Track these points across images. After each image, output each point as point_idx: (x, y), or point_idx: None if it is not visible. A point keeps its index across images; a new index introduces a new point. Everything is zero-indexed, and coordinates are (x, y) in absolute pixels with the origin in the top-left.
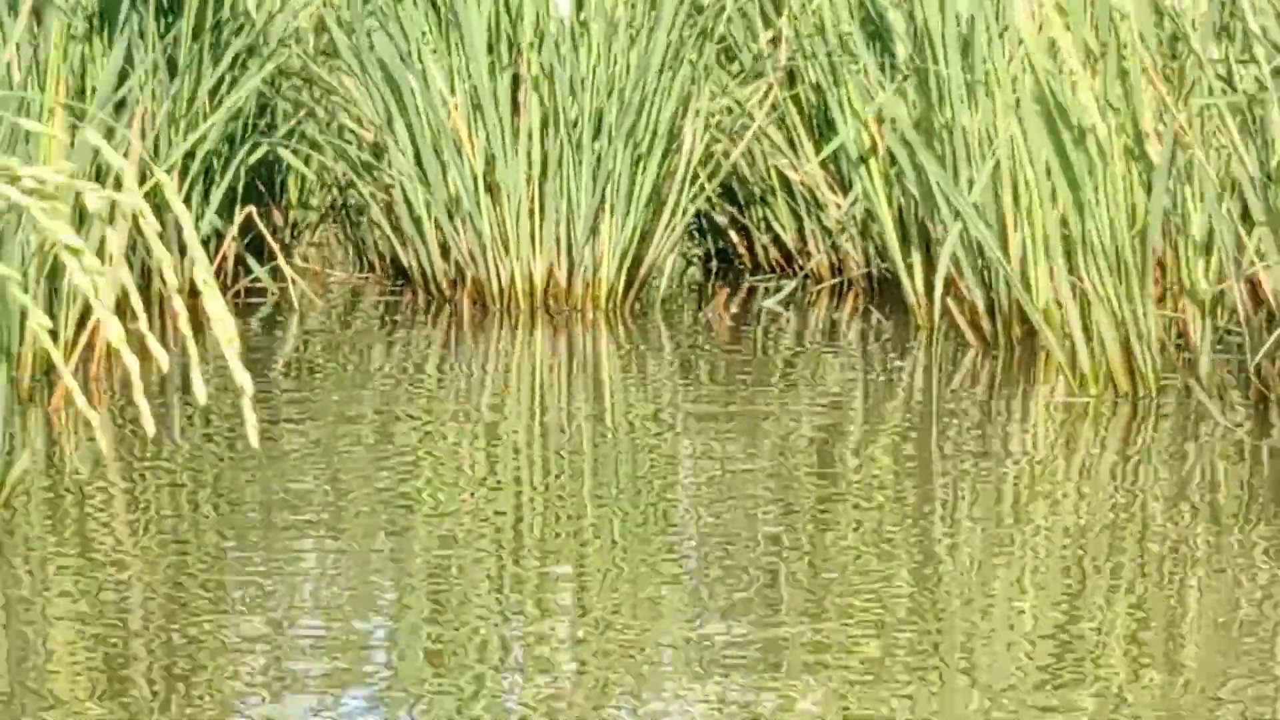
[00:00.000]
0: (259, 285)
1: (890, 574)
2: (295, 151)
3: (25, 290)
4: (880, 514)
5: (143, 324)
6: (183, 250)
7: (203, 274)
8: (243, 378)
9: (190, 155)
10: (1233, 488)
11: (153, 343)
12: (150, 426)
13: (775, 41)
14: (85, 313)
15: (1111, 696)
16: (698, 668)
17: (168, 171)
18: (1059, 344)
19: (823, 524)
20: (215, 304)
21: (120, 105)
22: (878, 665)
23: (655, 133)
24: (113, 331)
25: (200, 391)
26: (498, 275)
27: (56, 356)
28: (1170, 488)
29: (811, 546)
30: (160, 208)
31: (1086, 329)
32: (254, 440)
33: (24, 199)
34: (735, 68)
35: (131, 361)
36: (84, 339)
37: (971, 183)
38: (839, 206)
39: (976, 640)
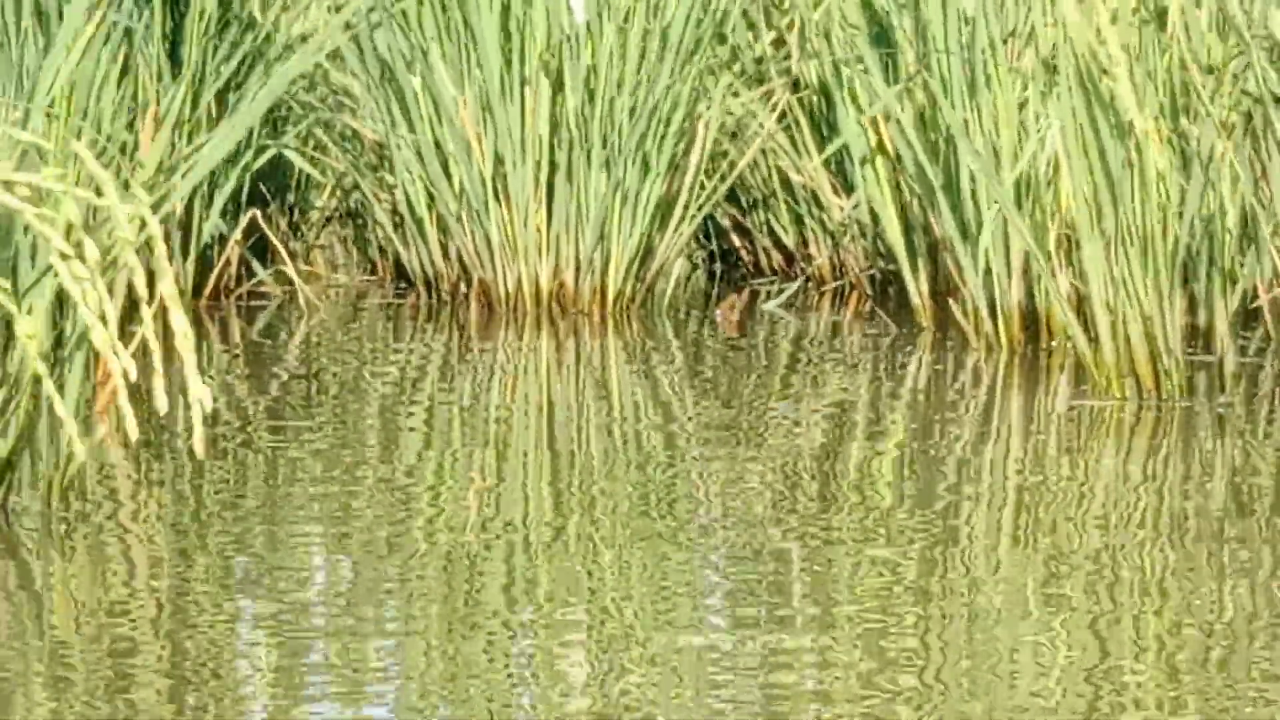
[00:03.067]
0: (263, 289)
1: (901, 585)
2: (300, 154)
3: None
4: (898, 523)
5: (106, 333)
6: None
7: (166, 288)
8: (200, 391)
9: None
10: (1260, 493)
11: (122, 352)
12: (134, 431)
13: (778, 43)
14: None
15: (1134, 711)
16: (703, 678)
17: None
18: (1085, 342)
19: (830, 533)
20: (177, 318)
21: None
22: (884, 675)
23: (664, 137)
24: (98, 337)
25: (160, 402)
26: (505, 278)
27: (42, 369)
28: (1196, 492)
29: (820, 554)
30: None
31: (1113, 327)
32: (200, 450)
33: (17, 204)
34: (737, 68)
35: (115, 366)
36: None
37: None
38: (841, 209)
39: (989, 653)
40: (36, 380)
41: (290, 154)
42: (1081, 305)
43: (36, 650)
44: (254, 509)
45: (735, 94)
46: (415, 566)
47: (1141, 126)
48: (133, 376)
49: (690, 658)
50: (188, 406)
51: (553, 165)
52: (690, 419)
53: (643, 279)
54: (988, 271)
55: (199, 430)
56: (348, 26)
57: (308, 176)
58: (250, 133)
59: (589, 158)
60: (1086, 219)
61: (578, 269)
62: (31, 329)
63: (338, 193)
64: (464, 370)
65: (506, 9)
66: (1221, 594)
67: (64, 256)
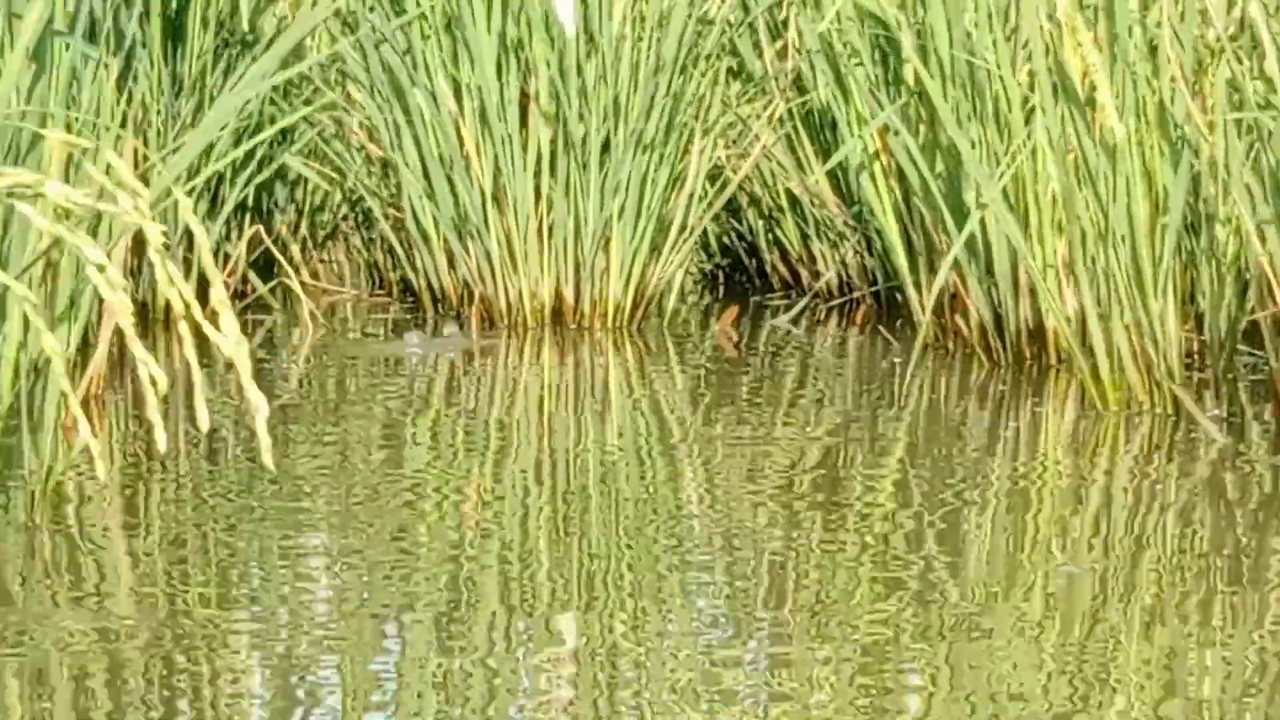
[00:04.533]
0: (264, 301)
1: (902, 600)
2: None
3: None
4: (893, 540)
5: (141, 344)
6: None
7: (217, 294)
8: (258, 400)
9: (196, 171)
10: (1250, 508)
11: (153, 363)
12: (163, 443)
13: (781, 55)
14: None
15: None
16: (703, 693)
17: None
18: (1081, 355)
19: (831, 551)
20: (229, 326)
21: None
22: (884, 692)
23: (663, 150)
24: (137, 349)
25: (203, 418)
26: (505, 292)
27: (65, 384)
28: (1183, 509)
29: (820, 573)
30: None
31: (1107, 341)
32: (268, 462)
33: (43, 221)
34: (742, 80)
35: (160, 376)
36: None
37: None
38: (840, 212)
39: (987, 670)
40: (14, 391)
41: (296, 165)
42: (1084, 319)
43: (19, 665)
44: (246, 520)
45: (748, 100)
46: (415, 583)
47: (1122, 134)
48: (164, 388)
49: (687, 672)
50: (190, 421)
51: (552, 178)
52: (689, 436)
53: (643, 293)
54: (993, 285)
55: (265, 441)
56: (351, 33)
57: (314, 189)
58: (255, 146)
59: (587, 171)
60: (1077, 230)
61: (578, 283)
62: (59, 346)
63: (344, 204)
64: (463, 386)
65: (504, 21)
66: (1213, 614)
67: (100, 268)
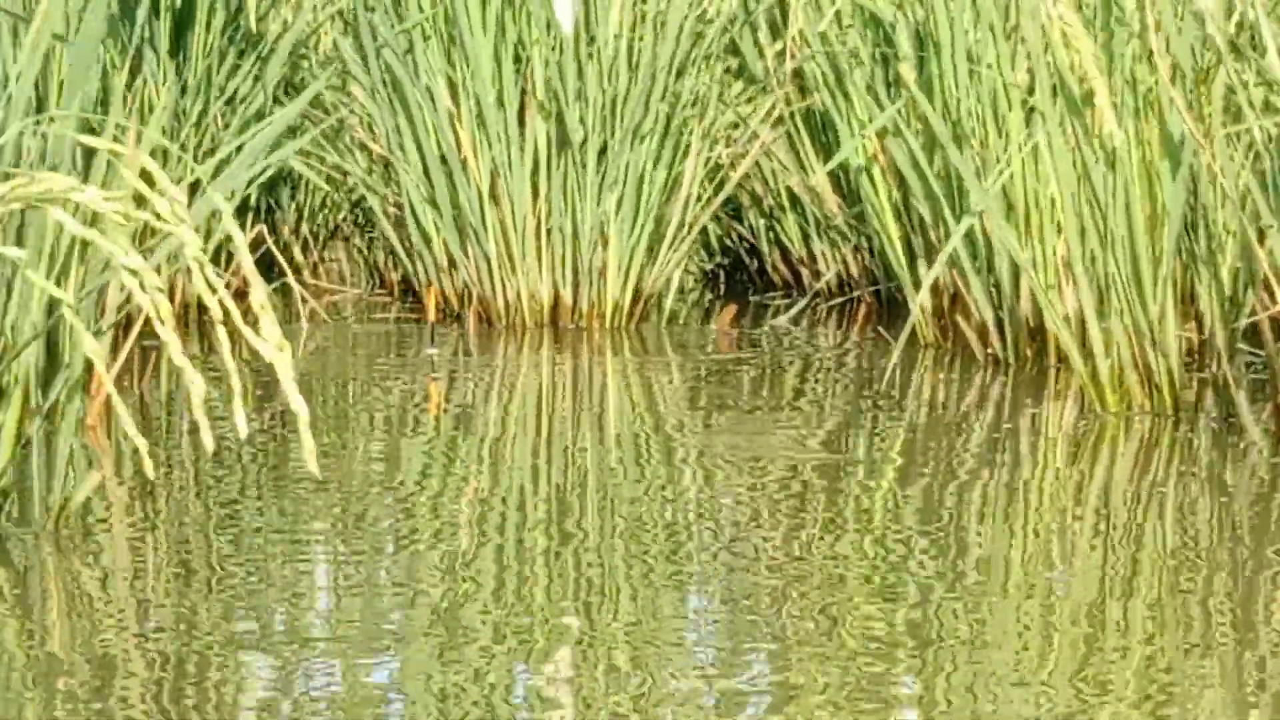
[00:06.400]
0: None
1: (901, 601)
2: (307, 166)
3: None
4: (891, 540)
5: (181, 348)
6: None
7: (258, 297)
8: (299, 405)
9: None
10: (1258, 509)
11: (190, 370)
12: (210, 443)
13: (782, 55)
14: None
15: None
16: (702, 697)
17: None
18: (1080, 357)
19: (830, 552)
20: (271, 331)
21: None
22: (884, 694)
23: (661, 149)
24: (175, 351)
25: (241, 425)
26: (503, 293)
27: (108, 380)
28: (1182, 510)
29: (819, 573)
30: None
31: (1106, 342)
32: (313, 467)
33: (79, 228)
34: (743, 82)
35: (196, 380)
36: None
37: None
38: (843, 209)
39: (987, 675)
40: (26, 399)
41: (299, 165)
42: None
43: (31, 676)
44: (255, 525)
45: (749, 100)
46: (413, 587)
47: (1120, 139)
48: (201, 394)
49: (687, 671)
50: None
51: (549, 178)
52: (688, 437)
53: (641, 292)
54: (994, 286)
55: (308, 445)
56: (348, 27)
57: (314, 189)
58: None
59: (584, 171)
60: (1075, 232)
61: (575, 283)
62: (100, 348)
63: (345, 204)
64: (461, 387)
65: (501, 21)
66: (1213, 616)
67: (132, 272)
